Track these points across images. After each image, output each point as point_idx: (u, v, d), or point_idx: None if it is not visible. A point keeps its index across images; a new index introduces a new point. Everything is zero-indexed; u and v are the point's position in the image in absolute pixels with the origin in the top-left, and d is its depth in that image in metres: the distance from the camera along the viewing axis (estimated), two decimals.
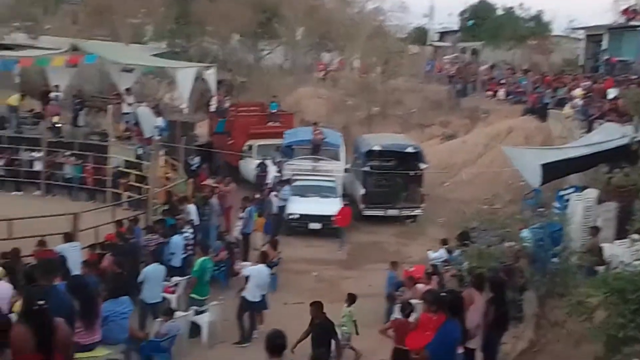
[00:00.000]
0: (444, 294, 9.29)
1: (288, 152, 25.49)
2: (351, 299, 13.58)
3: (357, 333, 13.36)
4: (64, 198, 24.69)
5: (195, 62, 37.08)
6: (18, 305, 7.68)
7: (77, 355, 7.25)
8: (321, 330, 11.02)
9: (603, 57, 36.16)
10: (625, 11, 36.33)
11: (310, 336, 11.18)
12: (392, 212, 23.94)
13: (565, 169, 17.58)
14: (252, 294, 14.12)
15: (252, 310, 14.28)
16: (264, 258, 15.06)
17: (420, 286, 13.65)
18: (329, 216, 22.34)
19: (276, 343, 6.80)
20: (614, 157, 16.27)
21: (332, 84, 41.75)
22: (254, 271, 14.44)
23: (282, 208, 22.41)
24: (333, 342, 11.39)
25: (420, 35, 58.45)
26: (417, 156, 24.81)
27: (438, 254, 17.10)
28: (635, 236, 10.35)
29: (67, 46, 30.03)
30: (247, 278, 14.45)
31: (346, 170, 25.75)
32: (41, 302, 6.23)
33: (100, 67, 32.11)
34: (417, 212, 23.95)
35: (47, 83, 30.81)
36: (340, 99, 37.90)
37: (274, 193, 22.82)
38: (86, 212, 17.44)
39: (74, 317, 7.91)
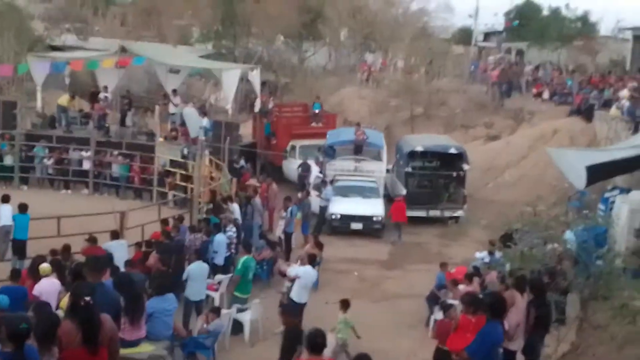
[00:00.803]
0: (482, 296, 9.22)
1: (330, 152, 25.42)
2: (345, 305, 13.31)
3: (357, 337, 13.08)
4: (111, 196, 24.98)
5: (240, 63, 37.41)
6: (65, 301, 7.84)
7: (122, 350, 7.38)
8: (289, 337, 10.89)
9: None
10: None
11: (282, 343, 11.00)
12: (434, 212, 23.83)
13: (611, 171, 17.31)
14: (298, 295, 14.11)
15: (298, 311, 14.30)
16: (311, 259, 15.03)
17: (462, 287, 13.57)
18: (371, 216, 22.44)
19: (316, 342, 6.92)
20: None
21: (375, 85, 41.73)
22: (301, 272, 14.42)
23: (324, 208, 22.46)
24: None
25: (464, 36, 57.90)
26: (460, 157, 24.61)
27: (483, 255, 16.99)
28: None
29: (116, 47, 30.36)
30: (292, 279, 14.49)
31: (388, 171, 25.73)
32: (87, 298, 6.37)
33: (148, 68, 32.61)
34: (459, 213, 23.79)
35: (96, 84, 31.39)
36: (383, 99, 37.85)
37: (315, 193, 22.86)
38: (133, 210, 17.71)
39: (120, 313, 8.07)
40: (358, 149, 25.29)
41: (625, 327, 8.33)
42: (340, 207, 22.54)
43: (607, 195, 17.09)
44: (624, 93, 27.97)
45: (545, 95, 35.08)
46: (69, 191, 25.83)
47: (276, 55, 46.43)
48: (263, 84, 34.31)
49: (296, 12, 44.44)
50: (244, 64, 35.99)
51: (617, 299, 8.82)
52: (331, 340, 12.46)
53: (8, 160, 25.94)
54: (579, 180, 16.59)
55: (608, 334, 9.83)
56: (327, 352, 12.41)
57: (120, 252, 14.10)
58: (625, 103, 26.51)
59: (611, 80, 32.99)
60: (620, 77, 33.42)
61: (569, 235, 12.60)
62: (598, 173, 16.68)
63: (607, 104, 28.81)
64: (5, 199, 17.19)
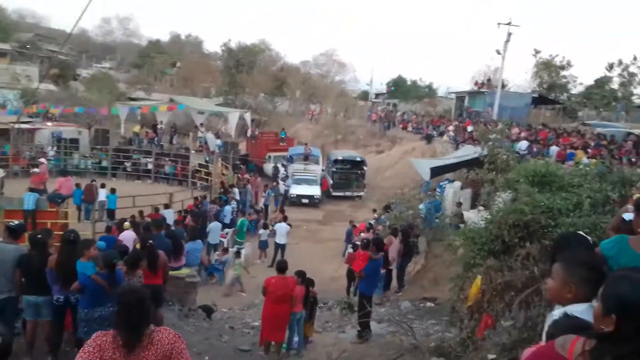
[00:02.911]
0: (366, 240, 9.13)
1: (290, 160, 25.35)
2: (238, 255, 13.17)
3: (248, 272, 12.59)
4: (164, 184, 24.32)
5: (239, 108, 36.83)
6: (138, 245, 7.63)
7: (171, 272, 7.22)
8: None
9: (465, 108, 36.30)
10: (476, 83, 36.95)
11: None
12: (348, 193, 23.86)
13: (443, 170, 17.62)
14: (279, 239, 14.22)
15: (279, 248, 14.27)
16: (284, 219, 15.07)
17: (363, 235, 13.66)
18: (313, 195, 22.43)
19: (281, 266, 6.89)
20: (469, 164, 16.31)
21: (315, 122, 41.55)
22: (277, 226, 14.55)
23: (287, 191, 22.33)
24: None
25: (364, 95, 58.47)
26: (362, 162, 24.76)
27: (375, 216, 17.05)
28: (481, 208, 10.43)
29: (167, 99, 29.78)
30: (274, 230, 14.54)
31: (323, 170, 25.73)
32: (151, 242, 6.23)
33: (186, 110, 31.80)
34: (361, 193, 23.86)
35: (155, 119, 30.53)
36: (320, 130, 37.67)
37: (282, 183, 22.73)
38: (176, 192, 17.31)
39: (169, 252, 7.89)
40: (306, 157, 25.25)
41: (451, 256, 8.50)
42: (296, 190, 22.40)
43: (441, 183, 17.33)
44: (450, 128, 28.54)
45: (409, 129, 35.58)
46: (139, 181, 24.97)
47: (259, 104, 45.83)
48: (252, 120, 33.87)
49: (271, 80, 44.16)
50: (241, 109, 35.45)
51: (446, 240, 9.00)
52: (230, 273, 12.09)
53: (104, 163, 25.01)
54: (426, 175, 16.82)
55: (441, 259, 10.01)
56: (228, 281, 11.87)
57: (170, 216, 13.81)
58: (451, 133, 27.07)
59: (444, 121, 33.65)
60: (448, 119, 34.14)
61: (421, 206, 12.74)
62: (436, 171, 16.97)
63: (441, 134, 29.32)
64: (103, 185, 16.75)
